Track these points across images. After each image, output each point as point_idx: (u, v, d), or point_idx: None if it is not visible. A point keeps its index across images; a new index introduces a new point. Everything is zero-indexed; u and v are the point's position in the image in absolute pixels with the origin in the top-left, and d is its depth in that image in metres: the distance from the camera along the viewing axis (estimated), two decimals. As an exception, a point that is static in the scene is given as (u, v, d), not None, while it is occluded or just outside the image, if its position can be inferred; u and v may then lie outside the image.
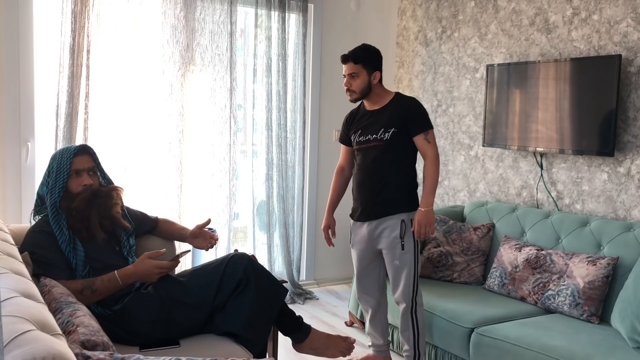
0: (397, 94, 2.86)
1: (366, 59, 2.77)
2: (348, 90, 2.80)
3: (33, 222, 2.35)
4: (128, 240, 2.42)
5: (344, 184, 3.12)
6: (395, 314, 3.19)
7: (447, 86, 4.32)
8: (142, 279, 2.24)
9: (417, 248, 2.81)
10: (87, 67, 3.41)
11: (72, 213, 2.24)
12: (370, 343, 3.10)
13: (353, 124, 2.91)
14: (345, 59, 2.79)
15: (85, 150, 2.35)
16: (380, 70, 2.83)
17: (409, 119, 2.74)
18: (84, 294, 2.12)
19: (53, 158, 2.33)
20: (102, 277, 2.18)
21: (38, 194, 2.35)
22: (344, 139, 3.02)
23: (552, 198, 3.53)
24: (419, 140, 2.74)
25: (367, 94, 2.80)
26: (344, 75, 2.81)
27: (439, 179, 4.35)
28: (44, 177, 2.33)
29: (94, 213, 2.27)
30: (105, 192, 2.34)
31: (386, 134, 2.75)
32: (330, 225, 3.11)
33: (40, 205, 2.34)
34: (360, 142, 2.84)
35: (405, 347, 2.87)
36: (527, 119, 3.54)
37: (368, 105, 2.87)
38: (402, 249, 2.77)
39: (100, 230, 2.28)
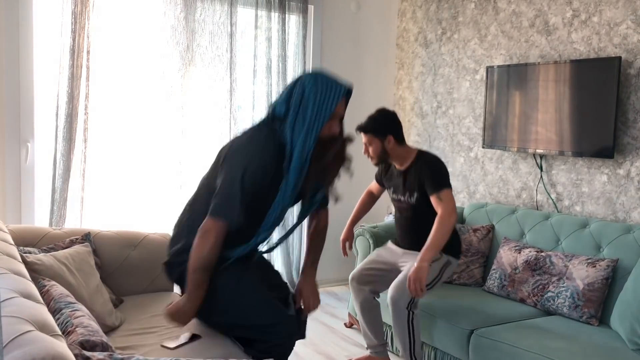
0: (419, 153, 2.94)
1: (374, 128, 2.90)
2: (368, 157, 2.99)
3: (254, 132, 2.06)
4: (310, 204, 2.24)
5: (370, 203, 3.35)
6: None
7: (447, 88, 4.32)
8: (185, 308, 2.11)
9: (437, 280, 2.85)
10: (87, 67, 3.41)
11: (319, 164, 1.97)
12: (366, 345, 3.10)
13: (386, 179, 3.12)
14: (358, 129, 2.96)
15: (350, 93, 2.08)
16: (395, 133, 2.90)
17: (425, 181, 2.83)
18: (202, 244, 1.98)
19: (316, 87, 1.96)
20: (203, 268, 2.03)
21: (274, 112, 2.02)
22: (378, 180, 3.25)
23: (552, 200, 3.53)
24: (432, 199, 2.80)
25: (386, 158, 2.95)
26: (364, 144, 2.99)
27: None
28: (293, 103, 1.97)
29: (333, 171, 2.04)
30: (346, 151, 2.10)
31: (412, 198, 2.91)
32: (349, 239, 3.28)
33: (271, 121, 2.02)
34: (394, 199, 3.05)
35: (400, 352, 2.86)
36: (527, 121, 3.54)
37: (397, 165, 3.00)
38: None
39: (310, 191, 2.09)
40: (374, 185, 3.30)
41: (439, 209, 2.72)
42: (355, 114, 4.66)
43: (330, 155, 2.01)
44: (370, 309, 3.04)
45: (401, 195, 2.95)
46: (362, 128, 2.94)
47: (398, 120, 2.95)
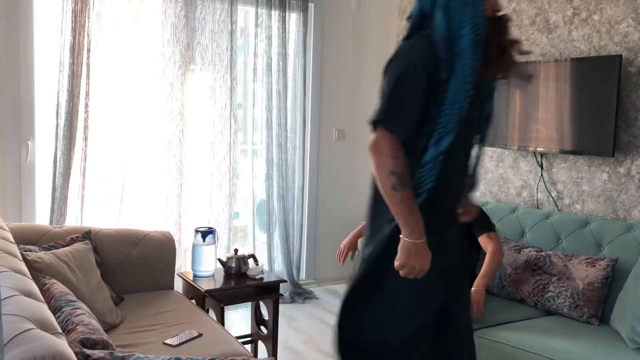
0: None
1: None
2: None
3: None
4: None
5: None
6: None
7: (447, 86, 4.31)
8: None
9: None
10: (88, 66, 3.41)
11: (495, 43, 1.73)
12: None
13: None
14: None
15: None
16: None
17: (474, 222, 2.93)
18: (394, 181, 1.66)
19: None
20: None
21: (420, 13, 1.78)
22: None
23: (552, 198, 3.53)
24: (482, 238, 2.94)
25: None
26: None
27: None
28: None
29: (509, 53, 1.78)
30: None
31: None
32: (351, 249, 3.00)
33: (416, 27, 1.79)
34: None
35: None
36: (528, 119, 3.54)
37: None
38: None
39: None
40: None
41: (489, 247, 2.90)
42: (356, 113, 4.68)
43: (504, 34, 1.75)
44: None
45: None
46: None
47: None
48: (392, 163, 1.66)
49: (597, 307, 2.77)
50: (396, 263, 1.69)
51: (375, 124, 1.71)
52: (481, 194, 4.03)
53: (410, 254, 1.67)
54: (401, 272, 1.69)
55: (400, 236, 1.68)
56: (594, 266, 2.81)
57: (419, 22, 1.79)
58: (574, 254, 2.97)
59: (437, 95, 1.69)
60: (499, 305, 3.00)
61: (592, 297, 2.76)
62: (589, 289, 2.78)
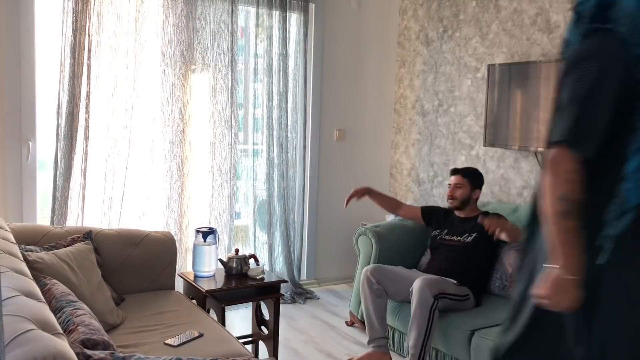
0: (483, 212, 3.30)
1: (472, 176, 3.31)
2: (451, 197, 3.32)
3: None
4: None
5: (389, 206, 3.61)
6: (395, 315, 3.19)
7: (448, 86, 4.31)
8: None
9: (450, 299, 2.95)
10: (88, 66, 3.41)
11: None
12: (368, 338, 3.10)
13: (442, 220, 3.42)
14: (455, 171, 3.34)
15: None
16: (480, 191, 3.34)
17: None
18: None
19: None
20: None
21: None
22: (426, 214, 3.52)
23: (553, 198, 3.52)
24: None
25: (464, 205, 3.30)
26: (449, 185, 3.34)
27: (442, 179, 4.36)
28: None
29: None
30: None
31: (469, 239, 3.21)
32: (359, 195, 3.46)
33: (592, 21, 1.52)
34: (443, 238, 3.33)
35: (412, 342, 2.84)
36: (529, 119, 3.54)
37: (461, 213, 3.34)
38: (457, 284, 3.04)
39: None
40: (410, 209, 3.59)
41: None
42: (357, 112, 4.68)
43: None
44: (380, 296, 3.08)
45: (456, 236, 3.26)
46: (461, 171, 3.32)
47: None
48: (567, 187, 1.46)
49: (598, 307, 2.76)
50: (538, 291, 1.51)
51: (556, 139, 1.49)
52: (482, 194, 4.03)
53: (559, 290, 1.47)
54: (541, 302, 1.52)
55: (552, 265, 1.49)
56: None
57: (599, 14, 1.51)
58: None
59: (635, 100, 1.47)
60: (499, 305, 3.00)
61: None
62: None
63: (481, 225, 3.06)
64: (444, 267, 3.18)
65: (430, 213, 3.52)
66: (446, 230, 3.35)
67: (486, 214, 3.20)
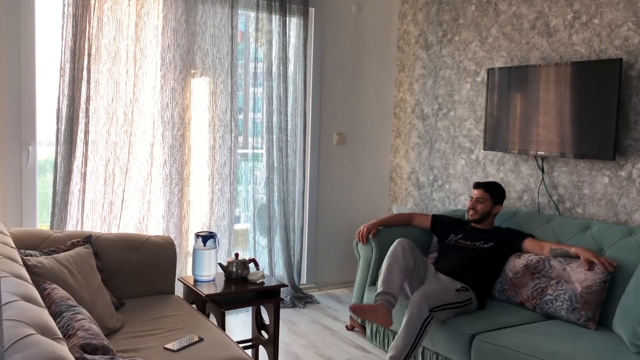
0: (497, 226, 3.42)
1: (495, 191, 3.36)
2: (472, 209, 3.36)
3: None
4: None
5: (402, 223, 3.65)
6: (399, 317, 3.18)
7: (447, 90, 4.32)
8: None
9: (451, 307, 2.92)
10: (88, 70, 3.42)
11: None
12: (379, 290, 2.94)
13: (455, 228, 3.46)
14: (478, 185, 3.40)
15: None
16: (501, 206, 3.39)
17: (512, 233, 3.27)
18: None
19: None
20: None
21: None
22: (436, 222, 3.56)
23: (554, 202, 3.52)
24: (528, 241, 3.18)
25: (484, 219, 3.35)
26: (471, 197, 3.38)
27: (442, 183, 4.37)
28: None
29: None
30: None
31: (486, 245, 3.25)
32: (371, 231, 3.53)
33: None
34: (458, 242, 3.36)
35: (394, 352, 2.76)
36: (528, 123, 3.54)
37: (479, 225, 3.39)
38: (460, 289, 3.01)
39: None
40: (423, 219, 3.62)
41: (543, 243, 3.11)
42: (357, 116, 4.68)
43: None
44: (407, 268, 2.98)
45: (471, 241, 3.30)
46: (484, 185, 3.37)
47: None
48: None
49: (595, 310, 2.76)
50: None
51: None
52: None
53: None
54: None
55: None
56: (593, 269, 2.80)
57: None
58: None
59: None
60: (499, 309, 3.00)
61: (589, 300, 2.76)
62: (587, 292, 2.77)
63: (500, 236, 3.22)
64: (455, 266, 3.18)
65: (441, 221, 3.56)
66: (461, 235, 3.38)
67: (500, 226, 3.40)
